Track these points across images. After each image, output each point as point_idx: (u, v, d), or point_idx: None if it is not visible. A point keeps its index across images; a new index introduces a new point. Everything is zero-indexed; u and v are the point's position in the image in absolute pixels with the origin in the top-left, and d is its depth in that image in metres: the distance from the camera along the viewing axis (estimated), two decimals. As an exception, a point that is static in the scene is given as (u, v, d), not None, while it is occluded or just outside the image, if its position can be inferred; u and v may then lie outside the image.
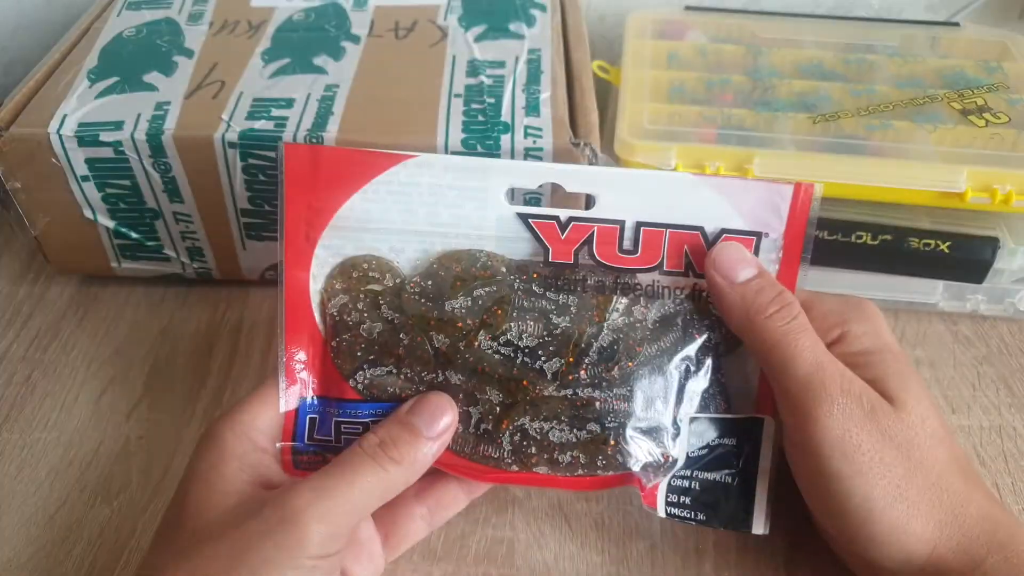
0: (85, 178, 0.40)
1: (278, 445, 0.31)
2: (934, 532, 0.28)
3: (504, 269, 0.32)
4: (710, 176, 0.31)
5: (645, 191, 0.31)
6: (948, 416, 0.39)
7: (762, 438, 0.32)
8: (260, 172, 0.39)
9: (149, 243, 0.43)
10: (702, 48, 0.49)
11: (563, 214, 0.31)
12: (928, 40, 0.50)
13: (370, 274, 0.32)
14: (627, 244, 0.32)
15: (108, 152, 0.39)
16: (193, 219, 0.42)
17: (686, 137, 0.41)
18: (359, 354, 0.32)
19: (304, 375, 0.32)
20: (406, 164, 0.31)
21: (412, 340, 0.32)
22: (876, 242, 0.41)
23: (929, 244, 0.40)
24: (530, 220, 0.32)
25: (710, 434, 0.32)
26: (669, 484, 0.32)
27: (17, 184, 0.40)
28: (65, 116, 0.39)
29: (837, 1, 0.61)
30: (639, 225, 0.31)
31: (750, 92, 0.45)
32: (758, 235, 0.32)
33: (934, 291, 0.44)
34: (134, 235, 0.43)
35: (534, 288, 0.32)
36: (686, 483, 0.32)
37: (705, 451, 0.32)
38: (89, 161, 0.39)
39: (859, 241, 0.41)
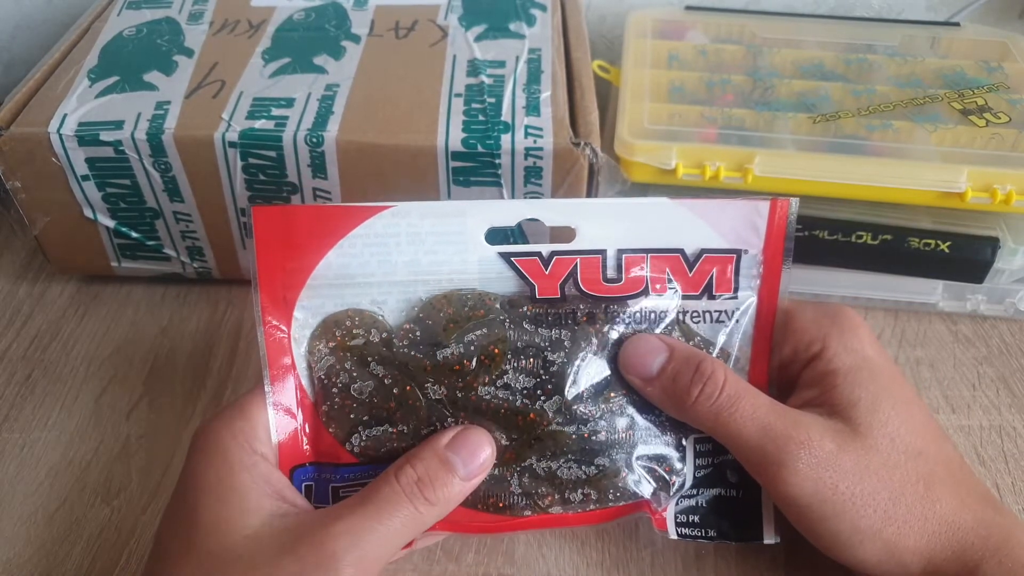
0: (85, 177, 0.40)
1: None
2: (928, 544, 0.28)
3: (498, 306, 0.31)
4: (687, 199, 0.31)
5: (624, 218, 0.31)
6: (948, 416, 0.40)
7: None
8: (260, 172, 0.39)
9: (149, 243, 0.43)
10: (702, 48, 0.49)
11: (545, 249, 0.31)
12: (928, 40, 0.50)
13: (354, 331, 0.31)
14: (611, 273, 0.31)
15: (108, 151, 0.39)
16: (193, 219, 0.42)
17: (686, 137, 0.41)
18: (352, 416, 0.31)
19: (295, 443, 0.31)
20: (381, 215, 0.30)
21: (404, 393, 0.31)
22: (876, 242, 0.41)
23: (929, 244, 0.40)
24: (512, 259, 0.31)
25: (711, 450, 0.32)
26: (677, 505, 0.32)
27: (17, 184, 0.40)
28: (65, 115, 0.39)
29: (838, 1, 0.61)
30: (620, 253, 0.31)
31: (750, 92, 0.45)
32: (738, 252, 0.32)
33: (934, 291, 0.44)
34: (134, 235, 0.43)
35: (525, 326, 0.31)
36: (693, 502, 0.32)
37: (709, 468, 0.32)
38: (89, 160, 0.39)
39: (859, 241, 0.41)
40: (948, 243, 0.40)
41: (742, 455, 0.30)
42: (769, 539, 0.32)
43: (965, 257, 0.41)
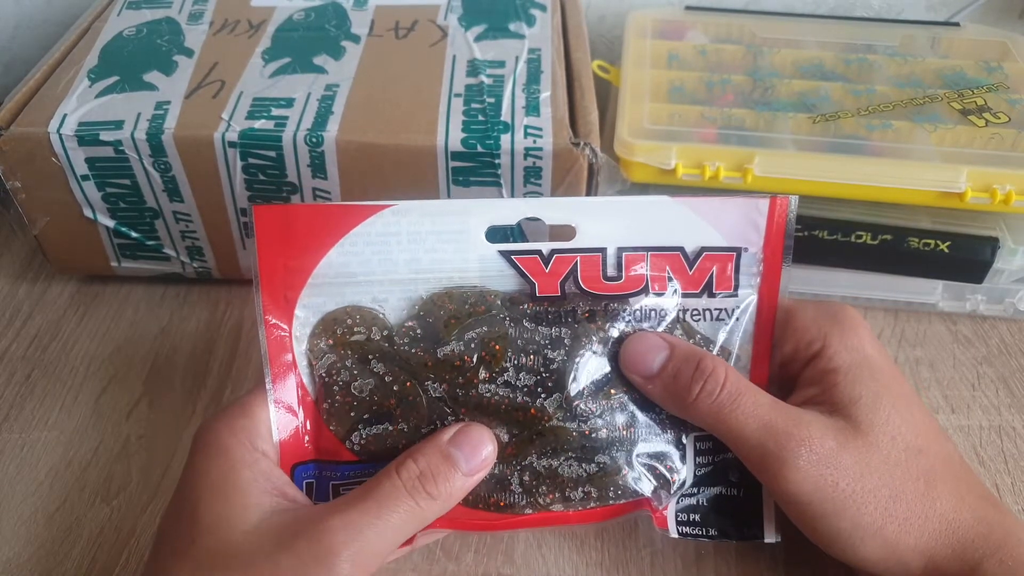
0: (85, 177, 0.40)
1: None
2: (928, 542, 0.28)
3: (499, 302, 0.31)
4: (687, 197, 0.31)
5: (624, 217, 0.31)
6: (948, 416, 0.40)
7: None
8: (260, 171, 0.39)
9: (149, 242, 0.43)
10: (702, 48, 0.49)
11: (545, 247, 0.31)
12: (928, 40, 0.50)
13: (355, 328, 0.31)
14: (611, 271, 0.31)
15: (108, 151, 0.39)
16: (193, 218, 0.42)
17: (686, 137, 0.41)
18: (352, 414, 0.31)
19: (297, 441, 0.31)
20: (382, 214, 0.30)
21: (404, 390, 0.31)
22: (876, 242, 0.41)
23: (929, 244, 0.40)
24: (513, 257, 0.31)
25: (712, 449, 0.32)
26: (678, 503, 0.32)
27: (17, 184, 0.40)
28: (65, 115, 0.39)
29: (837, 1, 0.61)
30: (620, 251, 0.31)
31: (750, 92, 0.45)
32: (737, 251, 0.32)
33: (934, 291, 0.44)
34: (134, 234, 0.43)
35: (526, 324, 0.31)
36: (694, 500, 0.32)
37: (709, 467, 0.32)
38: (89, 160, 0.39)
39: (859, 241, 0.41)
40: (948, 243, 0.40)
41: (743, 452, 0.30)
42: (770, 538, 0.32)
43: (965, 257, 0.41)
